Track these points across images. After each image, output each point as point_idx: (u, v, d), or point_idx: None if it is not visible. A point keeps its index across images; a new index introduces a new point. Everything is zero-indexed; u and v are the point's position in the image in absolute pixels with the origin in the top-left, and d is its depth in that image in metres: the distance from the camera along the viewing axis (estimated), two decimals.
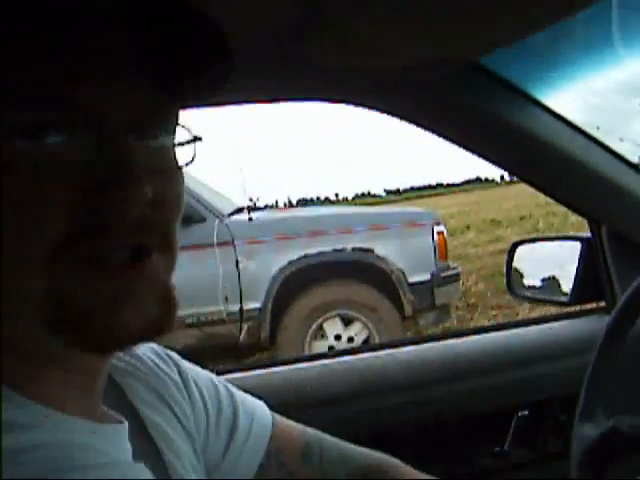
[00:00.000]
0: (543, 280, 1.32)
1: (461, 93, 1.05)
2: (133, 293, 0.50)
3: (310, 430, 0.81)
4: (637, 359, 1.12)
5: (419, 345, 1.24)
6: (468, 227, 13.94)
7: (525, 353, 1.23)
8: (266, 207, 4.90)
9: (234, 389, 0.78)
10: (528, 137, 1.09)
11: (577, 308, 1.34)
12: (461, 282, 5.83)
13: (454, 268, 4.73)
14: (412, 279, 4.46)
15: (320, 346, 4.40)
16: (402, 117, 1.08)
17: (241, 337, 4.36)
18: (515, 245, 1.38)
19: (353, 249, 4.45)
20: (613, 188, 1.15)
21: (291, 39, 0.88)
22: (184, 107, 0.57)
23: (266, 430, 0.76)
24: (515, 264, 1.36)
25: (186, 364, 0.74)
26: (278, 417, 0.80)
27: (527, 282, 1.35)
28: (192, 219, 4.32)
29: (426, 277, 4.49)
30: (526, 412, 1.19)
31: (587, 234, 1.28)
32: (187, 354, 0.92)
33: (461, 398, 1.19)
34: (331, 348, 4.31)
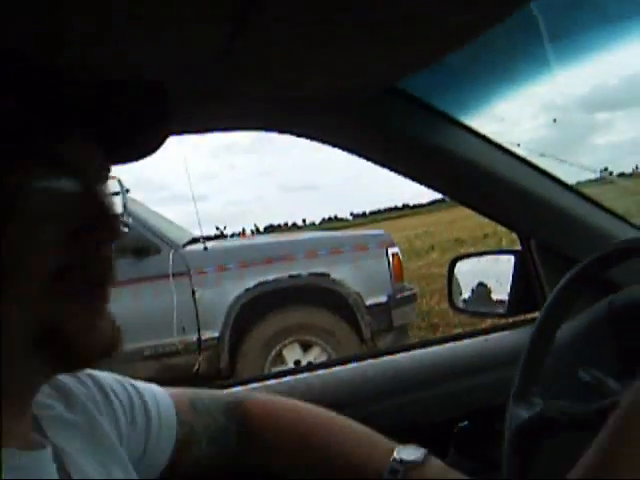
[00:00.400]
0: (473, 290, 1.36)
1: (382, 116, 1.08)
2: (101, 317, 0.61)
3: (186, 389, 0.93)
4: (561, 366, 1.16)
5: (360, 362, 1.26)
6: (433, 247, 14.08)
7: (465, 364, 1.26)
8: (233, 235, 4.97)
9: (135, 382, 0.85)
10: (452, 158, 1.13)
11: (515, 319, 1.38)
12: (424, 302, 5.85)
13: (410, 289, 4.78)
14: (369, 302, 4.50)
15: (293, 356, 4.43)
16: (328, 142, 1.11)
17: (200, 367, 4.35)
18: (454, 261, 1.42)
19: (309, 274, 4.49)
20: (538, 202, 1.19)
21: (211, 70, 0.90)
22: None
23: (171, 408, 0.85)
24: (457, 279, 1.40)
25: (103, 377, 0.80)
26: (165, 389, 0.89)
27: (466, 296, 1.39)
28: (148, 251, 4.35)
29: (383, 299, 4.54)
30: (466, 423, 1.22)
31: (519, 248, 1.32)
32: None
33: (403, 411, 1.21)
34: None
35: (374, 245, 4.68)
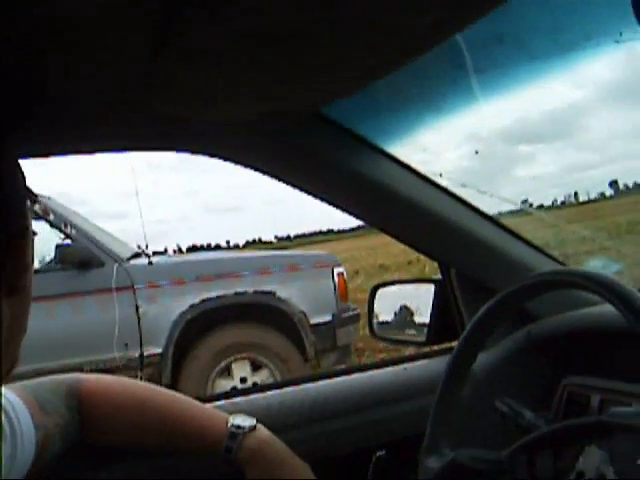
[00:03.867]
0: (395, 314, 1.36)
1: (305, 142, 1.08)
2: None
3: (26, 385, 0.94)
4: (478, 396, 1.16)
5: (279, 390, 1.24)
6: (357, 272, 14.13)
7: (383, 393, 1.26)
8: (155, 254, 4.89)
9: None
10: (374, 185, 1.13)
11: (435, 348, 1.39)
12: None
13: (354, 309, 4.79)
14: (314, 320, 4.50)
15: (225, 385, 4.39)
16: (250, 166, 1.10)
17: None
18: (375, 288, 1.42)
19: (255, 292, 4.47)
20: (458, 232, 1.20)
21: (133, 90, 0.89)
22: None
23: (27, 415, 0.86)
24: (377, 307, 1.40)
25: None
26: (7, 388, 0.88)
27: (385, 321, 1.39)
28: (91, 264, 4.27)
29: (327, 318, 4.54)
30: (384, 452, 1.21)
31: (440, 277, 1.33)
32: None
33: (320, 440, 1.20)
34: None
35: (321, 264, 4.70)
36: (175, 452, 1.07)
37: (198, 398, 1.10)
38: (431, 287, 1.32)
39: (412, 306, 1.35)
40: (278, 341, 4.46)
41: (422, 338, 1.31)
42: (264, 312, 4.49)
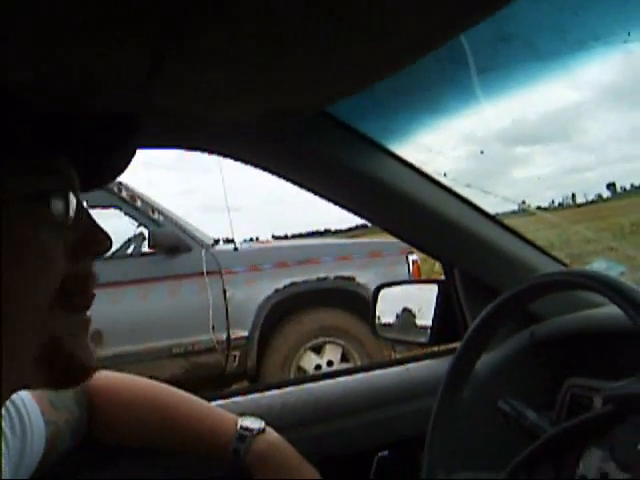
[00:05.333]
0: (397, 316, 1.36)
1: (309, 140, 1.08)
2: (87, 335, 0.61)
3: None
4: (480, 396, 1.16)
5: (281, 389, 1.24)
6: None
7: (385, 393, 1.26)
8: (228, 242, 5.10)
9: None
10: (378, 184, 1.13)
11: (439, 348, 1.39)
12: None
13: None
14: None
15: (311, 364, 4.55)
16: (253, 164, 1.10)
17: (228, 366, 4.41)
18: (378, 288, 1.41)
19: (336, 277, 4.61)
20: (462, 233, 1.19)
21: (139, 88, 0.89)
22: None
23: (37, 411, 0.85)
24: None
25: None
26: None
27: (388, 323, 1.39)
28: (179, 249, 4.39)
29: None
30: (386, 452, 1.21)
31: (443, 277, 1.32)
32: (173, 384, 1.04)
33: (324, 440, 1.20)
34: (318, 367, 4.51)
35: (395, 252, 4.79)
36: (182, 452, 1.07)
37: (204, 397, 1.10)
38: (435, 287, 1.32)
39: (415, 307, 1.34)
40: (357, 325, 4.56)
41: (425, 339, 1.31)
42: (345, 297, 4.63)
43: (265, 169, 1.11)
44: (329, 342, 4.62)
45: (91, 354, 0.60)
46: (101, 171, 0.68)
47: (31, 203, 0.54)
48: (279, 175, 1.12)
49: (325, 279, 4.60)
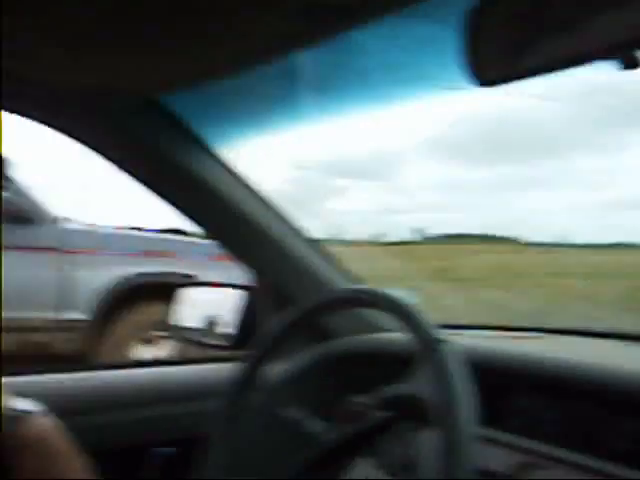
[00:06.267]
0: (201, 318, 1.36)
1: (135, 125, 1.08)
2: None
3: None
4: (268, 404, 1.19)
5: (72, 374, 1.21)
6: None
7: (175, 390, 1.26)
8: None
9: None
10: (195, 181, 1.15)
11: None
12: None
13: None
14: None
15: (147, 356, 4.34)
16: (76, 139, 1.08)
17: (62, 347, 4.13)
18: (181, 287, 1.41)
19: (183, 275, 4.40)
20: (271, 243, 1.23)
21: None
22: None
23: None
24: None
25: None
26: None
27: (190, 324, 1.39)
28: (24, 219, 4.07)
29: None
30: (165, 449, 1.21)
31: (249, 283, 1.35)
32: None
33: (104, 431, 1.17)
34: None
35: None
36: None
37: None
38: (239, 293, 1.33)
39: (220, 311, 1.35)
40: None
41: (227, 342, 1.32)
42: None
43: (86, 144, 1.09)
44: (167, 336, 4.51)
45: None
46: None
47: None
48: (100, 154, 1.10)
49: (173, 274, 4.46)
